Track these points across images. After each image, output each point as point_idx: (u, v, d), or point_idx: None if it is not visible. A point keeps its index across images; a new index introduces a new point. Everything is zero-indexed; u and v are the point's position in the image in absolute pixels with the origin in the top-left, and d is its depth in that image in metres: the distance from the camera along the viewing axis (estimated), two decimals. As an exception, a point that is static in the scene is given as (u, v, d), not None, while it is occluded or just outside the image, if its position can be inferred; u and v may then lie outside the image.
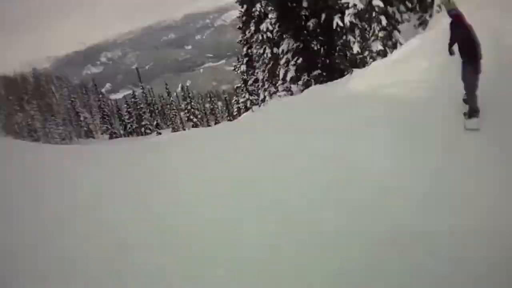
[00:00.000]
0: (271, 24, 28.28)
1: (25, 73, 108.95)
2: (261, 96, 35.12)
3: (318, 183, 8.12)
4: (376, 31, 18.40)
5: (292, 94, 25.25)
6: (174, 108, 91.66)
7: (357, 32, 19.36)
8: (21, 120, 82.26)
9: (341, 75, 20.39)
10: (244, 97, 46.18)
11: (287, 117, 15.15)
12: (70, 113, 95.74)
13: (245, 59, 42.38)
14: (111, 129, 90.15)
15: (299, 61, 23.62)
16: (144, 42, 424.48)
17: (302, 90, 23.24)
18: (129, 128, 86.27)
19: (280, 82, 26.96)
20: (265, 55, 31.00)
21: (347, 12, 18.98)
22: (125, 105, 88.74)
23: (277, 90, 30.23)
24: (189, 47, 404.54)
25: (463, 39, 8.41)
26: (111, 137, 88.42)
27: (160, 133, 71.05)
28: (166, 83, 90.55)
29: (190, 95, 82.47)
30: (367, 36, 19.20)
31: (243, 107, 47.93)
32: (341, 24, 20.09)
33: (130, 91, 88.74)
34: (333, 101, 14.47)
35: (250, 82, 43.41)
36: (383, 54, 18.05)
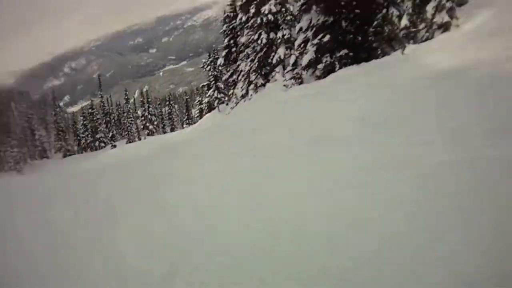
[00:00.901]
0: (276, 4, 26.76)
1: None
2: (239, 92, 32.46)
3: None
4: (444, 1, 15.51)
5: (301, 82, 21.72)
6: (131, 116, 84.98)
7: (408, 3, 16.55)
8: (-32, 147, 70.28)
9: (370, 55, 17.77)
10: (209, 96, 44.94)
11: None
12: (26, 132, 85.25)
13: (225, 51, 40.13)
14: (65, 146, 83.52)
15: (326, 38, 19.11)
16: (111, 48, 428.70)
17: (320, 77, 19.60)
18: (83, 143, 79.91)
19: (289, 68, 23.25)
20: (259, 41, 28.43)
21: None
22: (81, 117, 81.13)
23: (267, 82, 28.30)
24: (154, 50, 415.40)
25: None
26: (64, 155, 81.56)
27: (115, 146, 68.71)
28: (125, 90, 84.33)
29: (149, 100, 78.31)
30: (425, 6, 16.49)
31: (205, 108, 47.94)
32: None
33: (89, 102, 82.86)
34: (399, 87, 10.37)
35: (224, 77, 41.42)
36: (446, 27, 15.40)
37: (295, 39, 24.84)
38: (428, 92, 8.88)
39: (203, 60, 47.87)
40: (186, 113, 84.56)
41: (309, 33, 20.50)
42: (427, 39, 15.57)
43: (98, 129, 78.15)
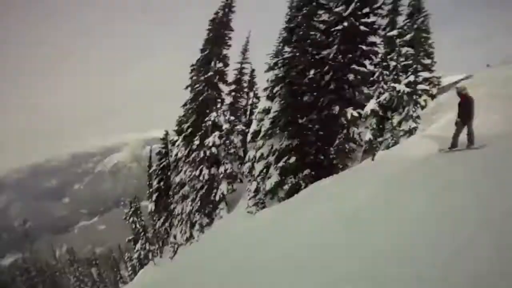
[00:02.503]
0: (220, 137, 27.48)
1: None
2: (179, 237, 30.28)
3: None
4: (411, 112, 18.33)
5: (264, 207, 21.55)
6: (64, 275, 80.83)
7: (373, 120, 18.29)
8: None
9: (330, 172, 18.82)
10: (137, 250, 39.31)
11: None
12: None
13: (155, 195, 36.41)
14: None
15: (291, 160, 20.10)
16: (29, 186, 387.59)
17: (284, 198, 20.14)
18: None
19: (251, 195, 22.71)
20: (201, 177, 28.01)
21: (372, 101, 18.39)
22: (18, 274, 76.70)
23: (212, 220, 27.52)
24: (67, 199, 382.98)
25: (464, 109, 12.16)
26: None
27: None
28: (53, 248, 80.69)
29: (75, 258, 76.45)
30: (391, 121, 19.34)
31: (137, 264, 40.82)
32: (355, 115, 18.74)
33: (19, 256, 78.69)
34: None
35: (157, 225, 37.33)
36: (411, 132, 17.93)
37: (237, 173, 26.93)
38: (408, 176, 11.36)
39: (125, 211, 41.55)
40: (117, 272, 76.25)
41: (271, 158, 21.41)
42: (393, 145, 17.70)
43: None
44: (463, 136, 12.09)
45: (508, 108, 14.49)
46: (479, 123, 12.95)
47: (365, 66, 20.33)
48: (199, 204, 28.55)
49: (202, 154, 27.67)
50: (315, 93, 20.59)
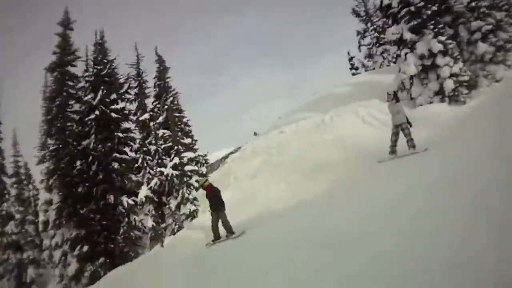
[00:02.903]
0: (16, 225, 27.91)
1: None
2: None
3: None
4: (186, 194, 18.05)
5: None
6: None
7: (150, 207, 18.45)
8: None
9: (125, 259, 19.23)
10: None
11: None
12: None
13: None
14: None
15: (85, 249, 19.99)
16: None
17: (87, 285, 19.93)
18: None
19: (57, 280, 22.43)
20: (9, 261, 28.17)
21: (144, 188, 18.41)
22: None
23: None
24: None
25: (212, 200, 12.70)
26: None
27: None
28: None
29: None
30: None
31: None
32: (131, 202, 19.50)
33: None
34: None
35: None
36: (192, 215, 17.70)
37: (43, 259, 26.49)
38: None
39: None
40: None
41: (66, 247, 21.19)
42: (178, 230, 17.56)
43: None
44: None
45: (291, 175, 15.01)
46: (262, 198, 14.24)
47: (126, 153, 20.92)
48: (14, 284, 28.51)
49: (5, 241, 28.05)
50: (87, 184, 20.56)
